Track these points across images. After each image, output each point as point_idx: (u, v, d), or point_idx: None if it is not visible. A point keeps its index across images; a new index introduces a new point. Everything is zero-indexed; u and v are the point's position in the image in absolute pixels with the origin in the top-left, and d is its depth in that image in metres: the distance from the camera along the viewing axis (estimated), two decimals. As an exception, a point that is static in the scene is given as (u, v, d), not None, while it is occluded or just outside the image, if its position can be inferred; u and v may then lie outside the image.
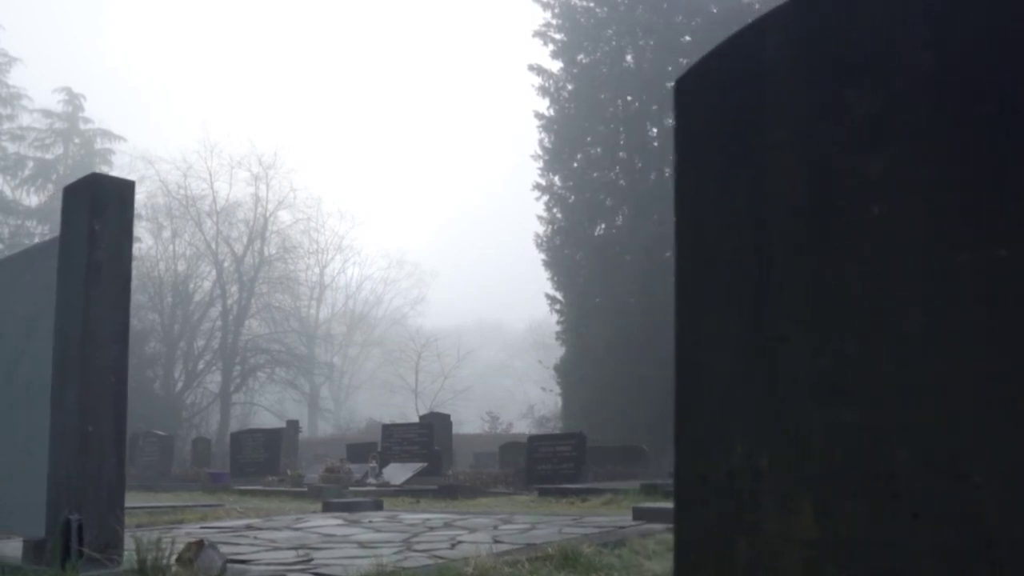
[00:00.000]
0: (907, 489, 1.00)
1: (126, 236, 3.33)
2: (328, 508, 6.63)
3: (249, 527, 5.18)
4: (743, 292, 1.27)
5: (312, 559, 3.52)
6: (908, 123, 1.05)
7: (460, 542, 4.04)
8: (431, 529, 4.79)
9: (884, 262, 1.06)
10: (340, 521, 5.41)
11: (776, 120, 1.26)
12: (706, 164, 1.41)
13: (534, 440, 13.37)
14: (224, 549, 3.21)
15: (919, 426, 1.00)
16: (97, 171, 3.31)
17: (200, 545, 2.83)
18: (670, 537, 4.00)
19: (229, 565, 3.02)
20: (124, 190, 3.36)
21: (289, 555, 3.68)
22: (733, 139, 1.35)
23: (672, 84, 1.45)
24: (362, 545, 4.02)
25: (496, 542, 3.94)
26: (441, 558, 3.39)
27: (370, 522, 5.34)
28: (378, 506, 6.79)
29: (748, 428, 1.25)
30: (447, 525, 5.03)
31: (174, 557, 2.77)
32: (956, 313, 0.95)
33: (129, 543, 3.22)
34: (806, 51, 1.22)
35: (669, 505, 5.21)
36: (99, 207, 3.25)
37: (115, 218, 3.28)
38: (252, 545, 4.09)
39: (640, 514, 4.80)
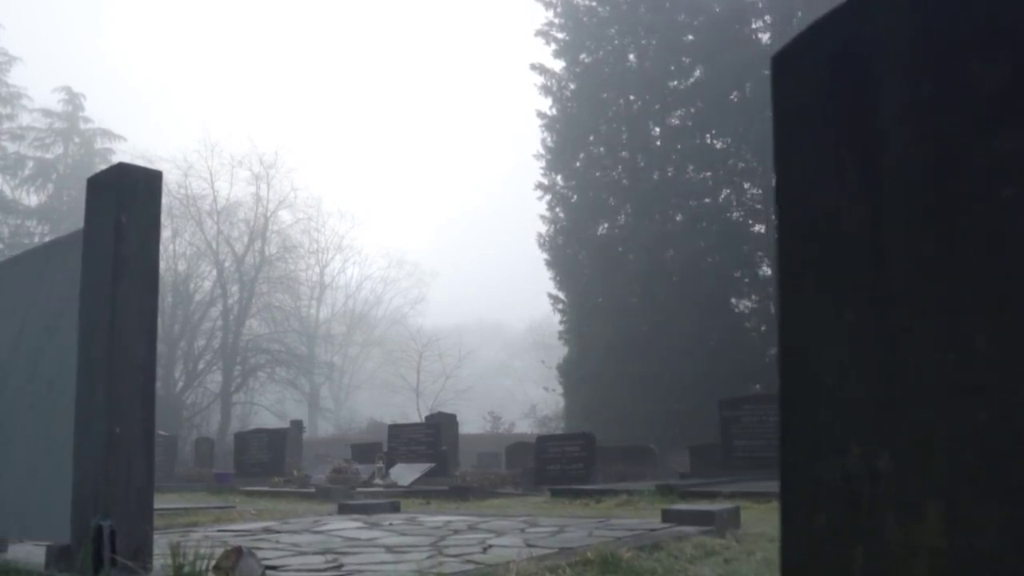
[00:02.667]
0: (1049, 495, 0.91)
1: (154, 228, 3.20)
2: (344, 510, 6.53)
3: (267, 530, 5.08)
4: (857, 279, 1.17)
5: (342, 565, 3.42)
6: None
7: (491, 546, 3.94)
8: (456, 532, 4.69)
9: (1017, 247, 0.96)
10: (359, 524, 5.30)
11: (891, 94, 1.16)
12: (811, 143, 1.31)
13: (543, 440, 13.29)
14: (251, 553, 3.11)
15: (1063, 426, 0.90)
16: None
17: (239, 552, 2.73)
18: (706, 540, 3.93)
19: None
20: (152, 180, 3.22)
21: (317, 560, 3.58)
22: (842, 115, 1.25)
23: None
24: (390, 549, 3.92)
25: (529, 545, 3.84)
26: (478, 563, 3.29)
27: (391, 525, 5.24)
28: (395, 508, 6.68)
29: (865, 427, 1.15)
30: (471, 528, 4.93)
31: (212, 563, 2.67)
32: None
33: (156, 547, 3.13)
34: (924, 19, 1.12)
35: (699, 507, 5.16)
36: (126, 198, 3.12)
37: (142, 210, 3.16)
38: (276, 549, 3.99)
39: (669, 516, 4.71)
